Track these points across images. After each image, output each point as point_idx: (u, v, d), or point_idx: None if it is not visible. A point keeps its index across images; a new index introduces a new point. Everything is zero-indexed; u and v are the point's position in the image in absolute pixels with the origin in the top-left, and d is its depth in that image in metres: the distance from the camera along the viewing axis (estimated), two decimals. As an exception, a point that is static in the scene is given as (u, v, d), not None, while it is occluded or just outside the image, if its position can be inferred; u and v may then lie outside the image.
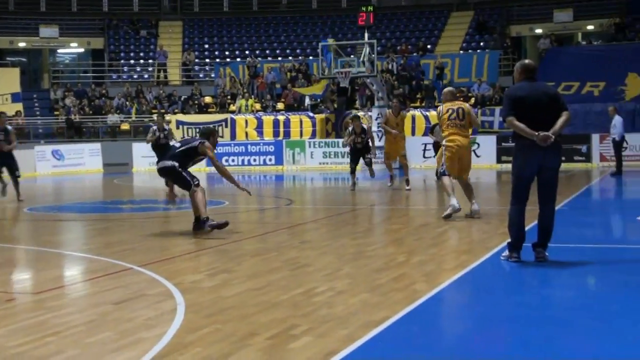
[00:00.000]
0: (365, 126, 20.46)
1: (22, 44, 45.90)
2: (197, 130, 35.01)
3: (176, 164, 12.45)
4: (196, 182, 12.42)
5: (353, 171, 20.26)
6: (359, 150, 20.01)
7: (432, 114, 31.89)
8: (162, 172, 12.97)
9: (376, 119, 30.96)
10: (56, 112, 40.59)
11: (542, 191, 8.88)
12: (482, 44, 42.54)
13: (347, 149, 20.22)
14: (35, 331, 6.35)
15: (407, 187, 19.86)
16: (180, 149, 12.67)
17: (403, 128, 20.74)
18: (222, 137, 34.58)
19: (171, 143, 15.70)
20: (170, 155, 12.69)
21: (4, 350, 5.79)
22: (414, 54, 40.64)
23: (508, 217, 8.96)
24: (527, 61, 9.27)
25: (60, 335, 6.22)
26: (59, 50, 48.45)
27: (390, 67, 37.95)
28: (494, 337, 6.15)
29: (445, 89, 14.09)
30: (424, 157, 30.91)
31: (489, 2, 46.15)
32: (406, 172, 20.51)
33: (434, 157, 19.61)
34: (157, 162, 13.94)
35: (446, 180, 13.34)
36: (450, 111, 13.23)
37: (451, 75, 38.10)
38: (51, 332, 6.33)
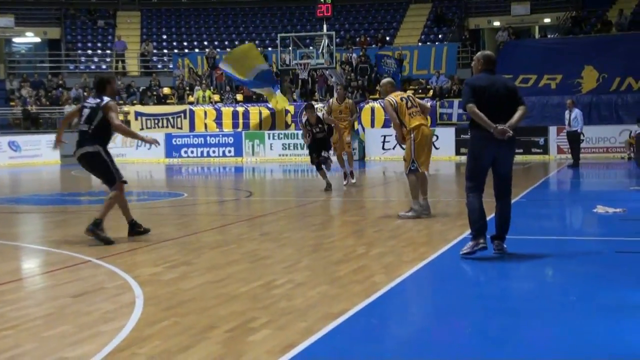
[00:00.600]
0: (320, 115, 18.90)
1: (-24, 34, 45.33)
2: (154, 120, 34.89)
3: (100, 148, 10.85)
4: (123, 179, 11.20)
5: (318, 166, 18.05)
6: (320, 141, 17.79)
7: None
8: (83, 160, 11.09)
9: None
10: (12, 103, 40.15)
11: (498, 183, 8.91)
12: (440, 36, 42.76)
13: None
14: (-8, 325, 6.29)
15: (345, 182, 18.74)
16: (92, 126, 10.81)
17: (350, 115, 19.25)
18: (180, 128, 34.44)
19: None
20: (87, 138, 10.86)
21: (-40, 345, 5.73)
22: (373, 46, 40.70)
23: (468, 207, 8.88)
24: (488, 52, 9.25)
25: (17, 329, 6.16)
26: (14, 40, 47.87)
27: (349, 59, 37.98)
28: (452, 329, 6.20)
29: (385, 80, 13.28)
30: (383, 149, 31.01)
31: (447, -6, 46.39)
32: (350, 163, 19.20)
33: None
34: (74, 152, 11.28)
35: (413, 179, 12.46)
36: (404, 100, 12.49)
37: (410, 67, 38.23)
38: (8, 325, 6.27)
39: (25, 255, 10.42)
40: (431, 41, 41.92)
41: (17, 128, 38.19)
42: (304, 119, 18.57)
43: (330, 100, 20.31)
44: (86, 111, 10.94)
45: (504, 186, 8.92)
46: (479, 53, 9.21)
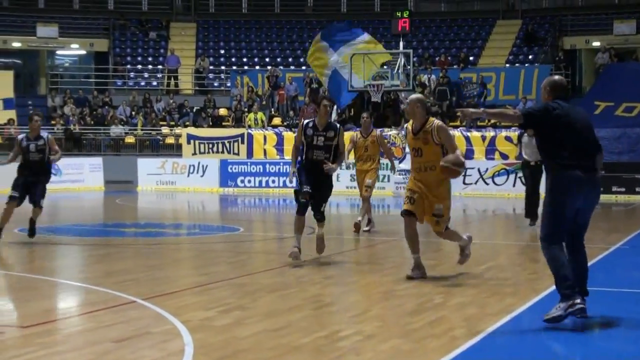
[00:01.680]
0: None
1: (17, 44, 46.16)
2: (208, 144, 35.13)
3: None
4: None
5: (304, 207, 12.79)
6: (319, 170, 12.65)
7: (474, 134, 31.80)
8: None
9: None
10: (53, 122, 40.59)
11: (578, 232, 8.41)
12: (530, 56, 42.45)
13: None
14: (26, 372, 6.35)
15: (367, 228, 17.13)
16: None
17: (377, 152, 17.22)
18: (237, 154, 34.58)
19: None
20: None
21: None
22: (454, 67, 40.57)
23: (551, 261, 8.22)
24: (558, 77, 8.79)
25: (53, 378, 6.21)
26: (58, 52, 48.66)
27: (427, 80, 37.88)
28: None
29: (413, 97, 11.33)
30: (464, 183, 30.74)
31: (539, 10, 46.14)
32: (368, 209, 17.31)
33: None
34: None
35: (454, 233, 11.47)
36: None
37: (495, 92, 38.02)
38: (43, 373, 6.32)
39: (63, 293, 10.51)
40: (520, 62, 41.68)
41: (58, 149, 38.64)
42: (305, 121, 13.04)
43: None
44: None
45: (583, 234, 8.47)
46: (547, 80, 8.68)
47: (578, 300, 7.99)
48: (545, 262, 8.28)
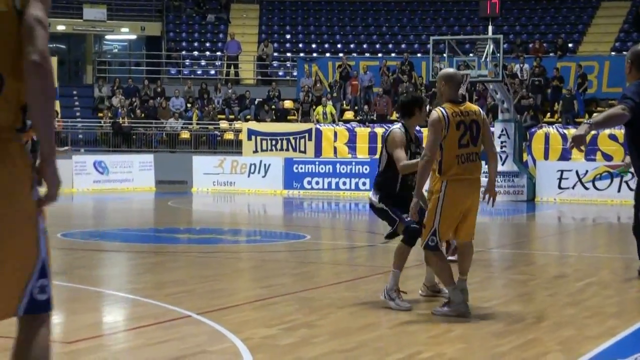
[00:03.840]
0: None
1: (61, 28, 46.68)
2: (271, 141, 35.25)
3: None
4: None
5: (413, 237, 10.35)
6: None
7: (572, 132, 31.52)
8: None
9: (499, 137, 30.71)
10: (100, 114, 41.01)
11: None
12: (642, 44, 41.83)
13: None
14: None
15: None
16: None
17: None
18: (304, 152, 34.60)
19: None
20: None
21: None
22: (551, 55, 40.22)
23: None
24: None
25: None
26: (106, 37, 49.27)
27: (519, 70, 37.62)
28: None
29: (443, 72, 10.24)
30: (560, 187, 30.46)
31: (651, -10, 45.46)
32: None
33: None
34: None
35: (434, 259, 9.82)
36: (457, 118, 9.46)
37: (598, 83, 37.61)
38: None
39: (110, 306, 10.64)
40: (628, 50, 41.03)
41: (104, 145, 39.06)
42: (397, 126, 10.42)
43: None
44: None
45: None
46: (630, 50, 8.11)
47: None
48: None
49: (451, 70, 10.78)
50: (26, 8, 4.05)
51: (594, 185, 29.82)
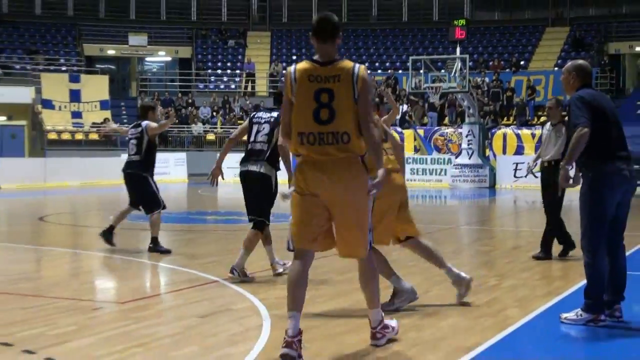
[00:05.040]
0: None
1: (111, 52, 46.86)
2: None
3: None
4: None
5: None
6: None
7: (524, 132, 31.56)
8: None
9: (466, 136, 30.72)
10: (144, 121, 41.11)
11: (619, 228, 7.31)
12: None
13: None
14: (121, 341, 6.43)
15: None
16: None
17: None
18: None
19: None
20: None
21: (91, 360, 5.90)
22: (507, 70, 40.24)
23: (591, 272, 7.16)
24: (583, 62, 7.70)
25: (145, 347, 6.30)
26: (147, 59, 49.30)
27: (482, 83, 37.64)
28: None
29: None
30: (515, 176, 30.44)
31: (586, 18, 45.54)
32: None
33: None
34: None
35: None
36: None
37: (545, 93, 37.67)
38: (137, 343, 6.41)
39: (154, 273, 10.66)
40: (569, 64, 41.06)
41: (147, 146, 39.06)
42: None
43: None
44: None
45: (622, 229, 7.38)
46: (572, 64, 7.58)
47: (602, 317, 7.14)
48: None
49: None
50: None
51: (534, 175, 29.83)
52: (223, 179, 10.26)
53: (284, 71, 45.51)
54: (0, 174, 29.28)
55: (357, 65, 5.92)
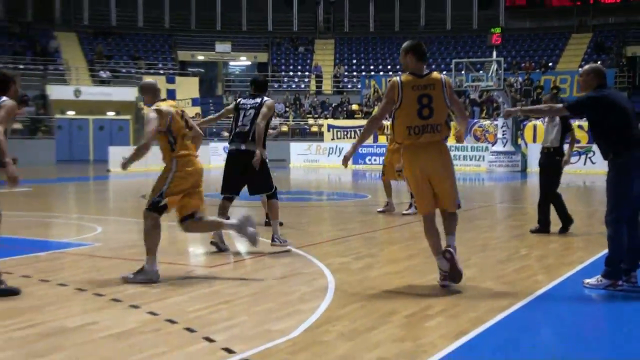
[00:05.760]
0: None
1: (201, 57, 47.24)
2: (344, 132, 35.19)
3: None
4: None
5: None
6: None
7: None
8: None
9: (501, 127, 30.34)
10: (230, 116, 41.31)
11: (638, 206, 7.10)
12: (599, 62, 40.99)
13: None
14: (210, 299, 6.51)
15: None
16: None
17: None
18: (365, 139, 34.47)
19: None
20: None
21: (185, 314, 5.97)
22: (537, 71, 39.59)
23: (615, 241, 7.00)
24: (599, 65, 7.48)
25: (230, 304, 6.36)
26: (230, 63, 49.60)
27: (515, 82, 37.09)
28: (607, 331, 5.92)
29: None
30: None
31: (607, 25, 44.48)
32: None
33: None
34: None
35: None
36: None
37: (570, 90, 36.90)
38: (223, 300, 6.48)
39: (239, 242, 10.71)
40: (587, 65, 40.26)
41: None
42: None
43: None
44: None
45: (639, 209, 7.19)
46: (587, 66, 7.38)
47: (620, 282, 7.03)
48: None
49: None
50: None
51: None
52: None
53: (345, 73, 45.32)
54: (110, 160, 29.83)
55: (443, 76, 7.00)
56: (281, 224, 10.59)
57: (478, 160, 31.13)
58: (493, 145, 31.09)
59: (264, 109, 9.26)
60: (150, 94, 7.63)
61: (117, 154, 30.71)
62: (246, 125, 9.28)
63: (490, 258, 8.89)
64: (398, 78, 6.92)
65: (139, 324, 5.68)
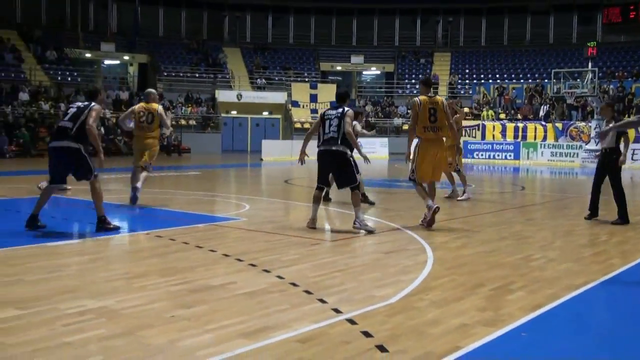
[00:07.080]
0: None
1: (338, 68, 47.46)
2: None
3: (81, 146, 8.23)
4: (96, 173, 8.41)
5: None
6: None
7: (641, 126, 29.18)
8: (58, 152, 8.26)
9: (594, 128, 28.85)
10: (361, 116, 41.41)
11: None
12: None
13: None
14: (328, 268, 6.55)
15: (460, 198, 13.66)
16: (75, 126, 8.19)
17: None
18: (475, 137, 33.68)
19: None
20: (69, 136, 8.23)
21: (306, 279, 6.03)
22: (629, 79, 37.34)
23: None
24: None
25: (344, 272, 6.38)
26: (363, 72, 49.53)
27: (607, 89, 35.15)
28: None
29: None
30: (632, 159, 28.22)
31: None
32: (451, 180, 14.12)
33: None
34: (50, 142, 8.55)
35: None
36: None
37: (661, 98, 34.67)
38: (337, 269, 6.50)
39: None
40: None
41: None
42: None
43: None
44: None
45: None
46: None
47: None
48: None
49: None
50: None
51: None
52: (303, 163, 9.85)
53: (459, 81, 44.42)
54: (263, 151, 30.53)
55: (441, 98, 9.43)
56: (373, 204, 11.93)
57: (572, 157, 29.81)
58: (587, 144, 29.68)
59: (346, 118, 9.18)
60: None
61: (269, 145, 31.53)
62: (334, 132, 9.14)
63: (573, 242, 8.49)
64: (418, 99, 9.40)
65: (268, 285, 5.79)
